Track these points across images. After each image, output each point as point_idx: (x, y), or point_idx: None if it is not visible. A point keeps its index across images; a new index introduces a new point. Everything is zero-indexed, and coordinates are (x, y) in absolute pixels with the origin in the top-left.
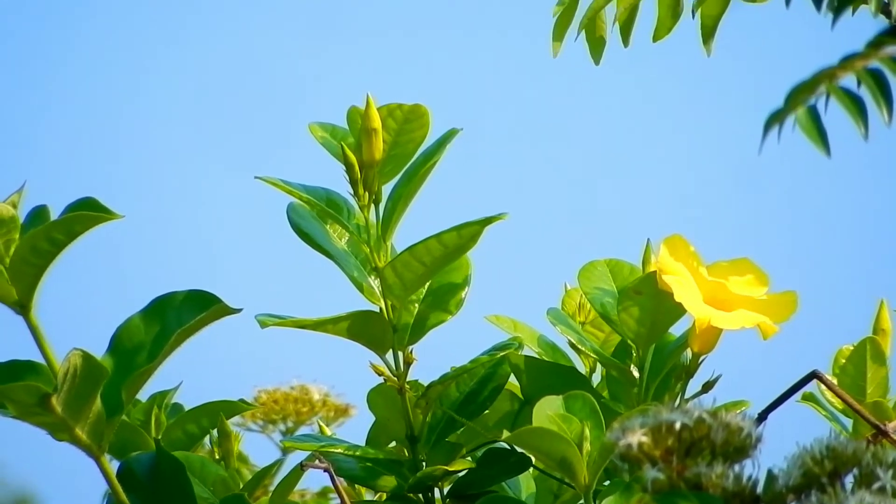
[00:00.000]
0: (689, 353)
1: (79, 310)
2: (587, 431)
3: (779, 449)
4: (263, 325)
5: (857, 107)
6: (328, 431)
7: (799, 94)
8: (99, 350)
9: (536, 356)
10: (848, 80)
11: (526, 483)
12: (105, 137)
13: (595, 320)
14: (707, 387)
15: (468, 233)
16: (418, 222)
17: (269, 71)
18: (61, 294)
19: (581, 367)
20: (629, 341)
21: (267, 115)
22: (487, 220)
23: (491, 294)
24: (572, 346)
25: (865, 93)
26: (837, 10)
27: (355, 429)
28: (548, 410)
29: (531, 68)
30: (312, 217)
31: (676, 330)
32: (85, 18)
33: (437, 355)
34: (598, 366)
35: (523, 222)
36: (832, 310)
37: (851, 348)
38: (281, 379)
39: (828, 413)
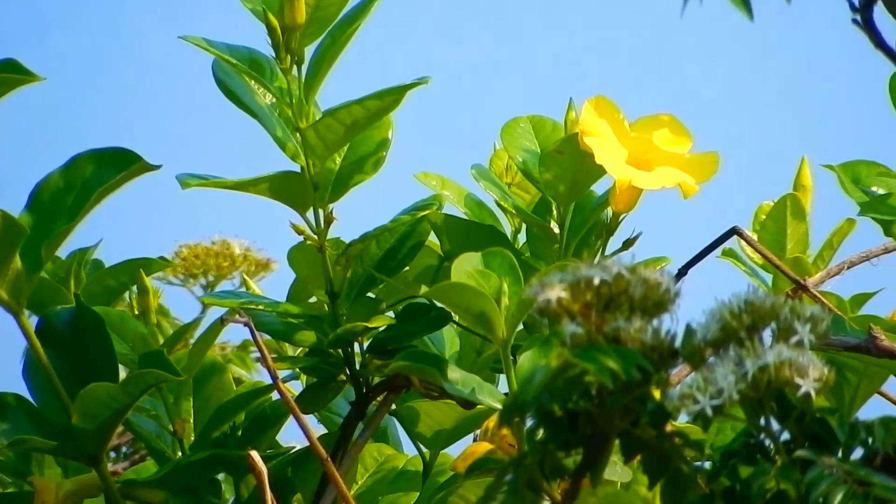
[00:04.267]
0: (609, 211)
1: None
2: (505, 287)
3: (699, 305)
4: (185, 185)
5: None
6: (252, 285)
7: None
8: (17, 207)
9: (461, 215)
10: None
11: (450, 340)
12: None
13: (522, 182)
14: (627, 244)
15: (390, 98)
16: (344, 86)
17: None
18: None
19: (508, 227)
20: (550, 199)
21: None
22: (409, 86)
23: (421, 154)
24: (498, 204)
25: None
26: None
27: (277, 285)
28: (466, 266)
29: None
30: (237, 75)
31: (600, 188)
32: None
33: (364, 217)
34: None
35: (457, 80)
36: (753, 166)
37: (772, 205)
38: (203, 234)
39: (748, 269)
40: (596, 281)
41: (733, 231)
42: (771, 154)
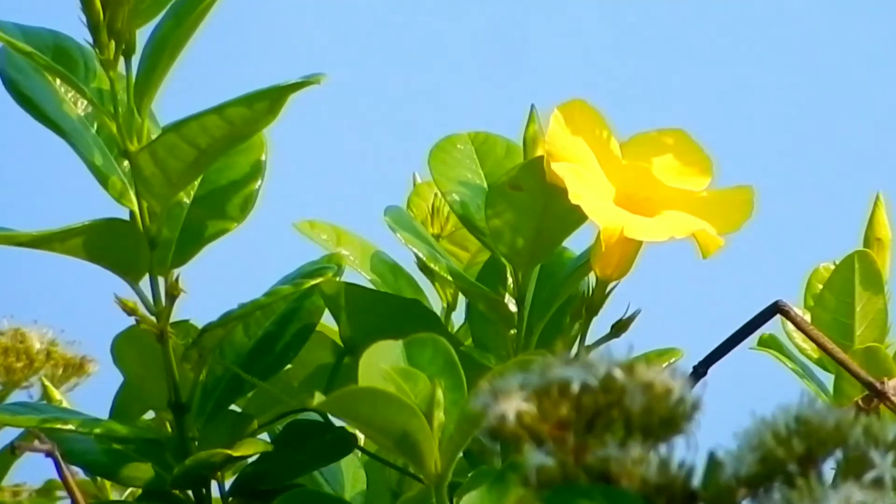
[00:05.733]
0: (592, 277)
1: None
2: (440, 394)
3: (728, 422)
4: None
5: None
6: (59, 394)
7: None
8: None
9: (368, 283)
10: None
11: (352, 474)
12: None
13: (457, 234)
14: (619, 328)
15: (263, 105)
16: (194, 91)
17: None
18: None
19: (437, 302)
20: (503, 260)
21: None
22: (292, 87)
23: (314, 192)
24: (423, 267)
25: None
26: None
27: (96, 393)
28: (381, 362)
29: None
30: (36, 71)
31: (575, 243)
32: None
33: (226, 288)
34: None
35: (369, 81)
36: (804, 210)
37: (832, 268)
38: None
39: (798, 365)
40: (575, 386)
41: (775, 308)
42: (831, 192)
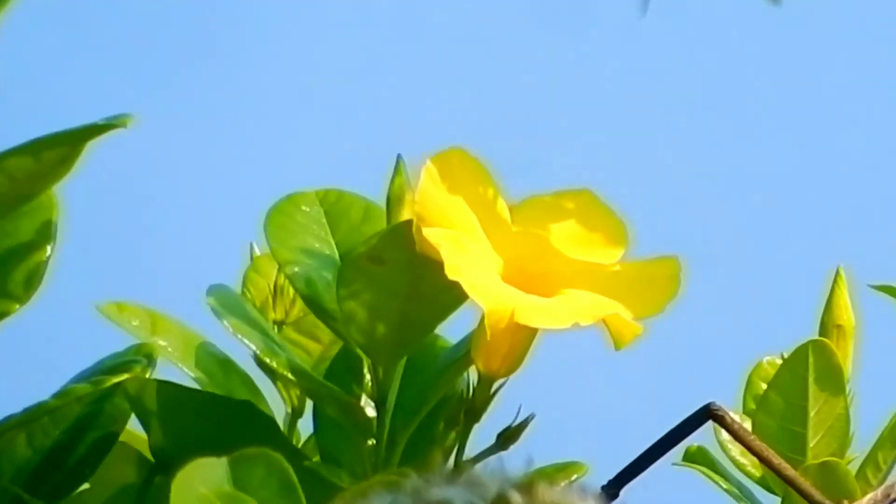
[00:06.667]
0: (473, 373)
1: None
2: None
3: None
4: None
5: None
6: None
7: None
8: None
9: (191, 383)
10: None
11: None
12: None
13: (306, 320)
14: (508, 437)
15: (55, 155)
16: None
17: None
18: None
19: (281, 406)
20: (359, 351)
21: None
22: (92, 131)
23: (115, 267)
24: (260, 362)
25: None
26: None
27: None
28: (200, 485)
29: None
30: None
31: (451, 331)
32: None
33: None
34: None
35: (187, 131)
36: (747, 291)
37: (779, 362)
38: None
39: (732, 485)
40: None
41: (707, 413)
42: (779, 267)
